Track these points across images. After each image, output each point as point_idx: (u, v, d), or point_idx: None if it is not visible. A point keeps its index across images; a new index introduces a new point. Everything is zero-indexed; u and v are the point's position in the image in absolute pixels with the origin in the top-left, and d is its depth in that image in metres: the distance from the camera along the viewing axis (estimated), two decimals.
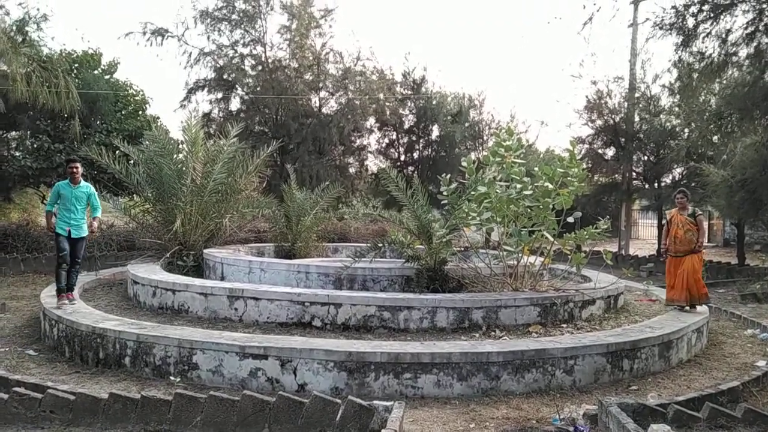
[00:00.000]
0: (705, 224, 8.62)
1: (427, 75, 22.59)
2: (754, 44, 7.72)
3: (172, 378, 5.82)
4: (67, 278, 7.62)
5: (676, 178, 18.59)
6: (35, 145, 14.00)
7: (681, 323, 7.10)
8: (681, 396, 5.20)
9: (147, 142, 11.44)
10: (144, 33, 18.85)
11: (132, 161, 11.76)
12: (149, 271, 8.89)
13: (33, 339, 7.51)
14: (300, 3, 19.88)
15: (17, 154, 14.36)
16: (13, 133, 15.00)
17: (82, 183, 7.79)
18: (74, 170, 7.67)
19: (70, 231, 7.62)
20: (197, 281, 8.28)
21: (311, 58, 20.27)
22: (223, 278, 9.70)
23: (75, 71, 14.87)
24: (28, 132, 14.31)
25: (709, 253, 21.61)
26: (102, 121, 14.85)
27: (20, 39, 13.13)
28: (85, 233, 7.81)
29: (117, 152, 11.98)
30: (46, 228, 8.07)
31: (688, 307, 8.08)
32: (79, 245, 7.78)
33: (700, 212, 8.32)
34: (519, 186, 8.00)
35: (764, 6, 7.60)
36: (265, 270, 9.35)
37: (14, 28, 13.21)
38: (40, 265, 13.63)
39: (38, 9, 15.25)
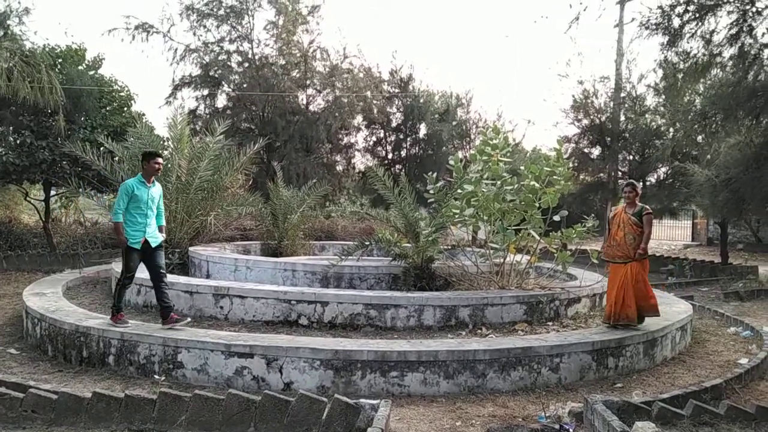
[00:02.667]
0: (650, 227, 6.87)
1: (415, 73, 22.68)
2: (738, 45, 7.79)
3: (156, 377, 5.77)
4: (159, 298, 6.47)
5: (661, 178, 18.77)
6: (18, 141, 13.79)
7: (665, 321, 7.15)
8: (665, 393, 5.25)
9: (132, 139, 11.33)
10: (128, 29, 18.68)
11: (117, 158, 11.63)
12: None
13: (15, 338, 7.42)
14: None
15: None
16: None
17: (155, 182, 6.69)
18: (158, 166, 6.50)
19: (146, 241, 6.40)
20: (182, 279, 8.21)
21: (298, 55, 20.17)
22: (208, 276, 9.63)
23: (59, 66, 14.66)
24: (11, 128, 14.09)
25: (693, 252, 21.85)
26: (86, 117, 14.65)
27: (1, 33, 12.94)
28: (162, 238, 6.65)
29: (101, 149, 11.85)
30: (119, 242, 6.47)
31: (634, 323, 6.79)
32: (160, 254, 6.61)
33: (649, 210, 6.93)
34: (499, 182, 8.02)
35: (748, 7, 7.68)
36: (251, 268, 9.30)
37: None
38: (23, 262, 13.47)
39: (20, 2, 14.95)
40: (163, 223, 6.83)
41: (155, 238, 6.52)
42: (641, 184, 18.77)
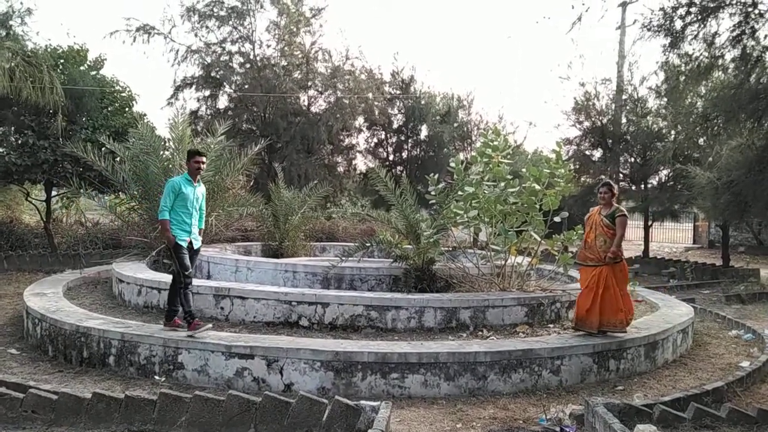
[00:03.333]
0: (623, 229, 6.60)
1: (416, 75, 22.76)
2: (740, 47, 7.78)
3: (156, 377, 5.76)
4: (185, 301, 6.22)
5: (663, 180, 18.74)
6: (19, 141, 13.81)
7: (667, 324, 7.14)
8: (666, 396, 5.23)
9: (133, 140, 11.32)
10: (129, 31, 18.69)
11: (118, 158, 11.63)
12: (135, 270, 8.80)
13: (15, 338, 7.42)
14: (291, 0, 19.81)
15: (0, 150, 14.16)
16: None
17: (200, 182, 6.52)
18: (201, 165, 6.35)
19: (190, 241, 6.27)
20: None
21: (300, 56, 20.18)
22: (209, 277, 9.63)
23: (60, 67, 14.68)
24: (12, 128, 14.11)
25: (695, 254, 21.82)
26: (88, 118, 14.66)
27: (4, 33, 12.95)
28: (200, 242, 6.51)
29: (103, 149, 11.85)
30: (166, 240, 6.26)
31: (595, 331, 6.53)
32: (195, 259, 6.48)
33: (623, 212, 6.68)
34: (503, 184, 8.01)
35: (750, 9, 7.66)
36: (252, 269, 9.30)
37: None
38: (24, 262, 13.47)
39: (22, 3, 14.97)
40: (203, 226, 6.68)
41: (198, 240, 6.40)
42: (643, 186, 18.77)
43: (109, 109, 15.33)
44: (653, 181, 18.90)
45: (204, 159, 6.47)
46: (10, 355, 6.62)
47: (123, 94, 15.90)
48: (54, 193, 15.95)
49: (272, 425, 4.31)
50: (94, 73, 15.43)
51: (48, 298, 7.77)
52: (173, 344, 5.80)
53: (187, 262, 6.20)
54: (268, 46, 20.19)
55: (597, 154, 19.66)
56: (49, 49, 14.75)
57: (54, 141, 13.49)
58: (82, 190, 11.36)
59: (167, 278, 8.20)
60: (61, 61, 14.92)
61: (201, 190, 6.50)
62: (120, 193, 12.77)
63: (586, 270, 6.70)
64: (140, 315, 7.58)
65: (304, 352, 5.56)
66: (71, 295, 8.61)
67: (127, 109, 15.77)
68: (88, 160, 11.08)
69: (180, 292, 6.23)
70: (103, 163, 11.03)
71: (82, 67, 15.18)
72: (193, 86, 20.03)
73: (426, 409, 5.24)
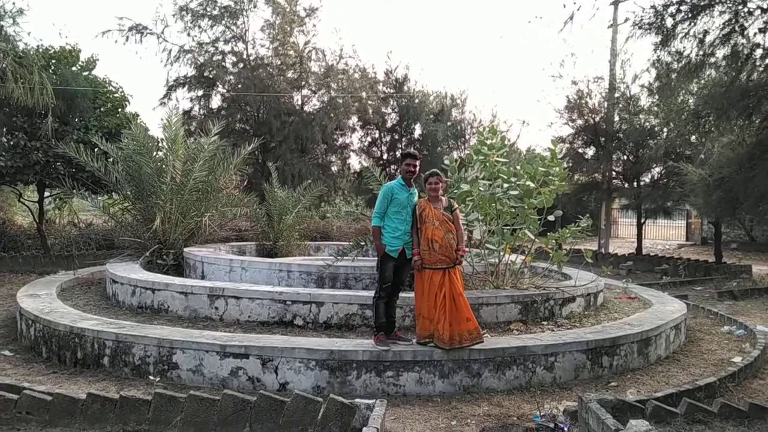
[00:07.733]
0: (459, 221, 6.06)
1: (410, 74, 22.64)
2: (731, 45, 7.82)
3: (151, 378, 5.76)
4: (387, 311, 5.97)
5: (655, 177, 18.84)
6: (11, 143, 13.74)
7: (659, 320, 7.19)
8: (659, 392, 5.27)
9: (126, 140, 11.30)
10: (121, 30, 18.61)
11: (111, 159, 11.60)
12: (128, 270, 8.79)
13: (9, 339, 7.39)
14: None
15: None
16: None
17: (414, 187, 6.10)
18: (408, 167, 5.93)
19: (403, 251, 5.86)
20: (177, 280, 8.19)
21: (294, 55, 20.16)
22: (203, 277, 9.61)
23: (52, 67, 14.62)
24: (4, 129, 14.04)
25: (687, 251, 21.94)
26: (80, 119, 14.61)
27: None
28: None
29: (96, 150, 11.81)
30: (376, 249, 5.92)
31: (447, 347, 5.69)
32: (407, 269, 6.07)
33: (457, 205, 6.19)
34: (506, 185, 8.01)
35: (740, 8, 7.71)
36: (246, 269, 9.28)
37: None
38: (16, 264, 13.41)
39: (14, 3, 14.88)
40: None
41: (410, 248, 5.94)
42: (635, 183, 18.84)
43: (102, 109, 15.27)
44: (646, 179, 19.01)
45: (416, 162, 5.95)
46: (4, 356, 6.60)
47: (115, 95, 15.84)
48: (47, 194, 15.89)
49: (267, 424, 4.32)
50: (86, 73, 15.37)
51: (41, 300, 7.75)
52: (168, 344, 5.80)
53: (390, 273, 5.83)
54: (262, 46, 20.17)
55: (590, 152, 19.76)
56: (40, 50, 14.67)
57: (46, 142, 13.43)
58: (74, 191, 11.32)
59: (161, 278, 8.22)
60: (53, 61, 14.85)
61: (414, 194, 6.06)
62: (113, 193, 12.73)
63: (433, 273, 5.79)
64: (134, 315, 7.57)
65: (298, 351, 5.57)
66: (65, 296, 8.59)
67: (119, 109, 15.72)
68: (80, 160, 11.05)
69: (381, 301, 5.93)
70: (95, 163, 11.00)
71: (74, 68, 15.12)
72: (186, 86, 19.97)
73: (421, 407, 5.26)
